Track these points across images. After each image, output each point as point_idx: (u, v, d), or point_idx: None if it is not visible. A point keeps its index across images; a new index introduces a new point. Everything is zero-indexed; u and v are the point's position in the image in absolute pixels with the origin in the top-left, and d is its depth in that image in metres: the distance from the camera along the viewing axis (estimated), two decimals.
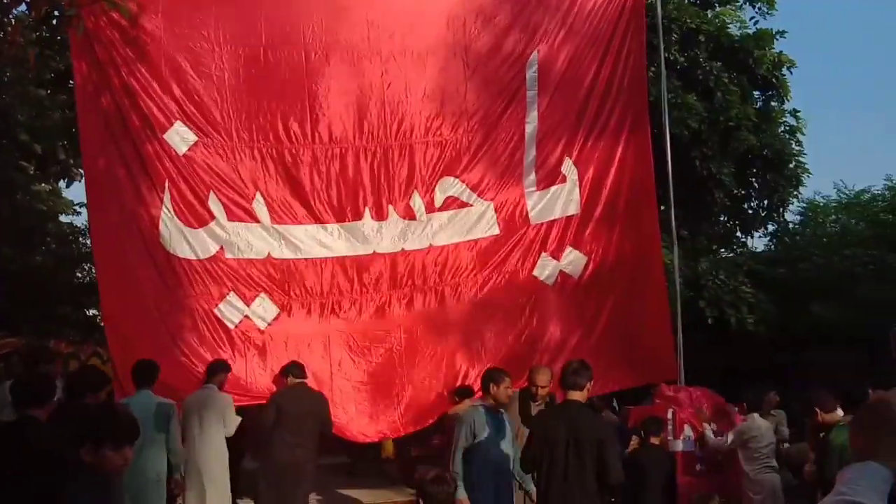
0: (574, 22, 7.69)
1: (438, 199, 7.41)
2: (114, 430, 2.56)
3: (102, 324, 7.32)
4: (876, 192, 13.95)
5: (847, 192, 14.37)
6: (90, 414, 2.75)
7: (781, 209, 14.51)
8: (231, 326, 6.83)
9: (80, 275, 10.16)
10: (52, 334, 9.48)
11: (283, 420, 6.17)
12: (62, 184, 11.04)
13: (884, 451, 1.33)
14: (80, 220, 11.42)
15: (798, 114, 14.24)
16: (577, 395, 4.74)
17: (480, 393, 6.02)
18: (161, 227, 6.78)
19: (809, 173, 14.01)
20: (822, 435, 5.16)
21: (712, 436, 6.83)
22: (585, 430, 4.58)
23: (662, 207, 8.51)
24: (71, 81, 9.26)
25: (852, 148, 40.54)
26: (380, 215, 7.24)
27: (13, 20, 3.56)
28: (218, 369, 6.39)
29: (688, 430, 6.95)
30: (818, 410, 5.27)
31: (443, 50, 7.44)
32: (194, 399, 6.27)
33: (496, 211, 7.47)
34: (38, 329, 9.44)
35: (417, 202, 7.35)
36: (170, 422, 5.78)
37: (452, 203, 7.45)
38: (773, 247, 14.73)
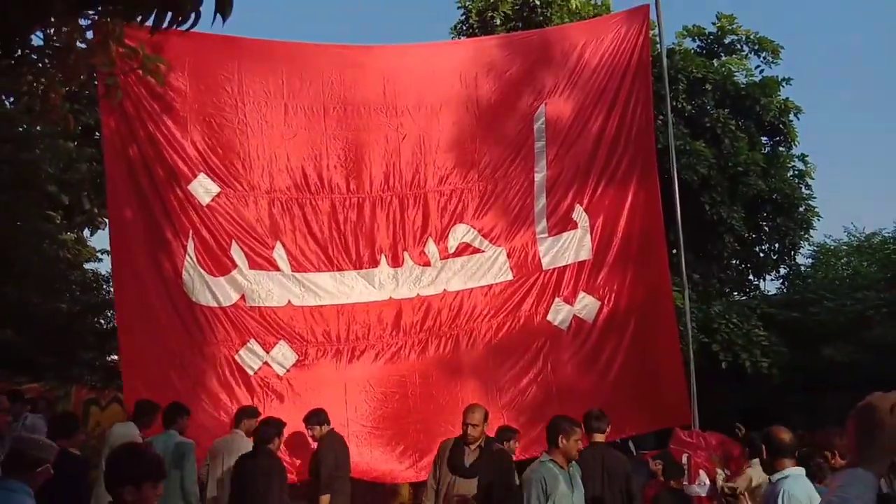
0: (581, 76, 7.96)
1: (452, 245, 7.60)
2: (154, 468, 2.68)
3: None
4: (886, 234, 14.07)
5: (857, 235, 14.48)
6: (126, 454, 2.78)
7: (792, 252, 14.63)
8: (251, 373, 6.98)
9: (102, 321, 10.35)
10: (75, 379, 9.63)
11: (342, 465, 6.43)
12: (86, 232, 11.38)
13: (867, 457, 1.37)
14: (104, 268, 11.74)
15: (806, 158, 14.47)
16: (600, 438, 5.56)
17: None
18: (184, 275, 6.97)
19: (819, 217, 14.17)
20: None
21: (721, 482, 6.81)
22: (616, 465, 5.39)
23: (673, 251, 8.64)
24: (97, 134, 9.66)
25: (862, 191, 40.61)
26: (396, 262, 7.43)
27: (52, 86, 3.81)
28: (244, 415, 6.51)
29: (703, 476, 6.95)
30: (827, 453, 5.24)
31: (455, 103, 7.72)
32: (221, 443, 6.40)
33: (508, 257, 7.64)
34: (61, 374, 9.60)
35: (432, 249, 7.53)
36: (185, 459, 5.87)
37: (465, 249, 7.63)
38: (784, 290, 14.77)
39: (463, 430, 5.67)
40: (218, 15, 2.68)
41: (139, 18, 2.71)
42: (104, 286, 10.69)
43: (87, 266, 11.38)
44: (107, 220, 10.79)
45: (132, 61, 4.74)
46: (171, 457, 5.76)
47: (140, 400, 6.30)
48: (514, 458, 6.35)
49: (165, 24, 2.73)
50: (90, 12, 3.10)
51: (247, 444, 6.29)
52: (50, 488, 3.60)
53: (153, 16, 2.68)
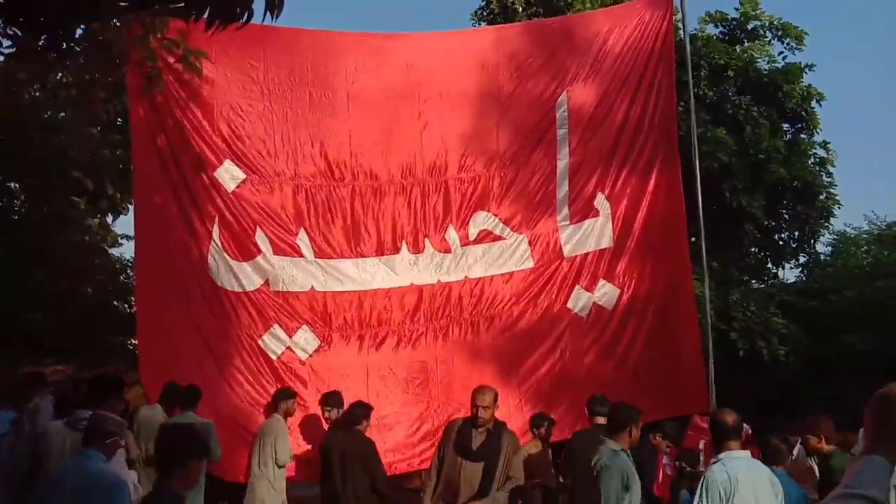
0: (604, 63, 7.95)
1: (473, 232, 7.65)
2: (203, 448, 3.09)
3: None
4: None
5: (878, 224, 14.34)
6: (186, 432, 3.19)
7: (812, 241, 14.52)
8: (274, 358, 7.09)
9: (126, 306, 10.53)
10: (102, 363, 9.80)
11: None
12: (109, 217, 11.54)
13: (884, 445, 1.40)
14: (129, 253, 11.90)
15: (828, 146, 14.29)
16: (601, 421, 5.49)
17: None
18: (210, 260, 7.08)
19: (840, 205, 14.03)
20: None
21: None
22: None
23: (693, 239, 8.64)
24: (120, 120, 9.77)
25: (883, 179, 40.08)
26: (417, 248, 7.50)
27: (95, 80, 3.90)
28: (281, 397, 6.66)
29: None
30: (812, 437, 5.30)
31: (477, 92, 7.74)
32: (264, 426, 6.59)
33: (530, 244, 7.68)
34: (89, 358, 9.78)
35: (453, 235, 7.59)
36: (211, 439, 6.01)
37: (486, 236, 7.68)
38: (804, 278, 14.70)
39: (473, 412, 5.60)
40: (267, 13, 2.75)
41: (194, 16, 2.78)
42: (128, 271, 10.85)
43: (111, 251, 11.61)
44: (130, 206, 10.98)
45: (171, 54, 4.80)
46: None
47: (171, 383, 6.41)
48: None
49: (218, 24, 2.79)
50: (144, 11, 3.18)
51: (277, 428, 6.44)
52: None
53: (207, 14, 2.74)
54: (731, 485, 3.84)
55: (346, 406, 6.55)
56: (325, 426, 6.70)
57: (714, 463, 4.06)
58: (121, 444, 4.07)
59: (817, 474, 5.48)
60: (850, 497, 1.37)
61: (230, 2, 2.69)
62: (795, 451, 6.22)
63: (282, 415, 6.57)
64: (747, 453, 4.19)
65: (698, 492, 3.98)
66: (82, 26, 3.14)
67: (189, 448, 2.99)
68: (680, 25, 8.57)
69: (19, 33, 2.94)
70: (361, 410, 6.24)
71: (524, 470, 6.09)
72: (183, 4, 2.89)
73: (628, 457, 4.63)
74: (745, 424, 7.25)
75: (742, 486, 3.84)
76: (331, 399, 6.68)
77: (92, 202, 10.63)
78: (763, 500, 3.88)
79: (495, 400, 5.64)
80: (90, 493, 3.46)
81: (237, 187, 7.17)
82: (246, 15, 2.78)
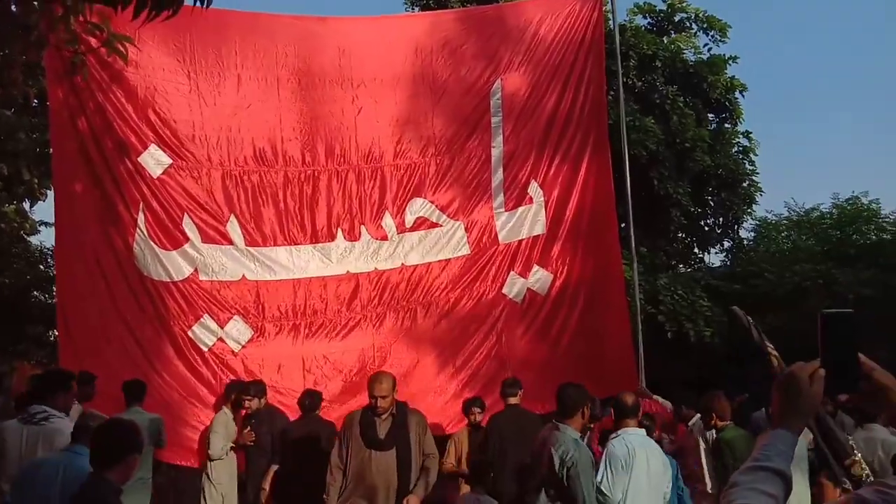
0: (536, 52, 8.04)
1: (409, 219, 7.64)
2: (139, 442, 3.20)
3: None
4: (824, 210, 14.61)
5: (797, 210, 15.02)
6: (124, 428, 3.26)
7: (736, 226, 15.14)
8: (205, 349, 6.93)
9: (47, 296, 10.08)
10: (21, 354, 9.36)
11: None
12: (26, 204, 11.00)
13: (789, 420, 1.50)
14: (49, 242, 11.38)
15: (750, 135, 14.87)
16: (514, 401, 6.33)
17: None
18: (135, 248, 6.86)
19: (762, 192, 14.66)
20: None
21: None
22: (530, 425, 5.79)
23: (622, 225, 8.86)
24: (35, 102, 9.31)
25: (802, 167, 42.01)
26: (352, 236, 7.44)
27: (15, 63, 3.69)
28: (231, 389, 6.62)
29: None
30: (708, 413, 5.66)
31: (411, 77, 7.71)
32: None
33: (466, 231, 7.73)
34: (6, 350, 9.34)
35: (389, 222, 7.56)
36: (161, 435, 6.18)
37: (423, 223, 7.68)
38: (728, 263, 15.28)
39: (371, 403, 5.17)
40: (198, 2, 2.66)
41: (121, 4, 2.67)
42: (48, 260, 10.39)
43: (31, 240, 11.08)
44: (48, 192, 10.48)
45: (94, 37, 4.58)
46: (148, 432, 5.79)
47: (81, 371, 6.19)
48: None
49: (147, 13, 2.70)
50: None
51: (221, 420, 6.37)
52: None
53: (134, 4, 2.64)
54: (629, 456, 4.51)
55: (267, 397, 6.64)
56: (243, 414, 6.59)
57: (614, 438, 4.69)
58: None
59: (702, 447, 5.93)
60: (758, 469, 1.46)
61: None
62: (692, 424, 6.59)
63: (230, 408, 6.49)
64: (642, 430, 4.88)
65: (603, 462, 4.58)
66: None
67: (129, 444, 3.14)
68: (609, 16, 8.72)
69: None
70: (319, 397, 6.54)
71: (452, 455, 6.35)
72: None
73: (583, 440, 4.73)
74: (668, 402, 7.61)
75: (638, 457, 4.52)
76: (252, 388, 6.59)
77: (7, 188, 10.12)
78: (654, 467, 4.60)
79: (393, 387, 5.27)
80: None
81: (163, 173, 6.95)
82: (175, 6, 2.68)
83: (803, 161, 42.06)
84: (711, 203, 14.69)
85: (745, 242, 15.47)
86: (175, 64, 7.03)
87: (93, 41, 4.88)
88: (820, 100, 44.05)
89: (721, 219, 14.96)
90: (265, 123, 7.28)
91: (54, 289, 10.16)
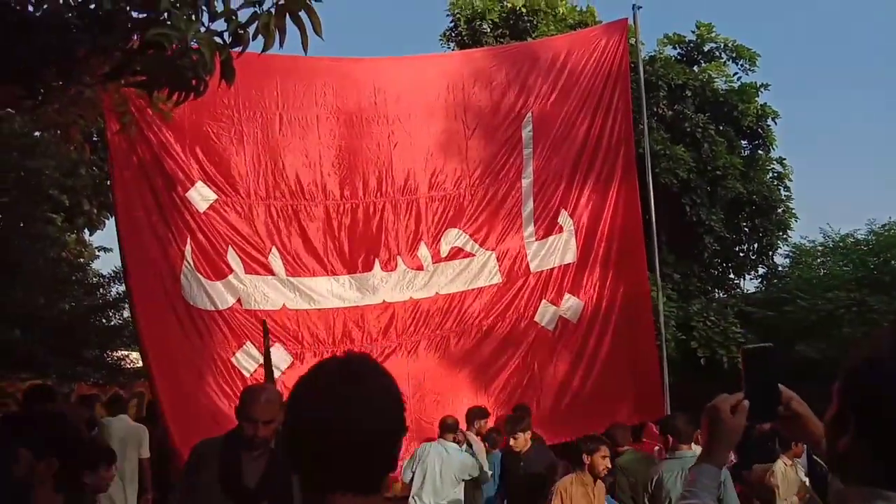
0: (565, 84, 8.30)
1: (444, 249, 7.89)
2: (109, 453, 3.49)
3: (144, 365, 7.58)
4: (860, 236, 14.48)
5: (832, 237, 14.90)
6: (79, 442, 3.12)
7: (770, 253, 15.05)
8: (247, 375, 7.19)
9: (103, 320, 10.61)
10: (79, 377, 9.83)
11: None
12: (86, 233, 11.69)
13: (712, 452, 1.58)
14: (106, 268, 11.95)
15: (784, 161, 14.86)
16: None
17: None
18: (182, 279, 7.18)
19: (797, 218, 14.59)
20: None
21: None
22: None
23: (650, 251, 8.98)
24: (95, 137, 9.86)
25: (838, 193, 41.39)
26: (389, 266, 7.70)
27: (73, 124, 4.09)
28: None
29: None
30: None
31: (444, 111, 8.02)
32: None
33: (498, 260, 7.95)
34: (65, 372, 9.82)
35: (424, 252, 7.82)
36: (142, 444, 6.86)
37: (457, 253, 7.92)
38: (763, 289, 15.19)
39: (245, 430, 3.05)
40: (223, 81, 3.02)
41: (155, 93, 3.02)
42: (109, 286, 10.98)
43: (92, 266, 11.76)
44: (105, 221, 11.04)
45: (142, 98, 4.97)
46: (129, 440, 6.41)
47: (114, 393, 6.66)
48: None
49: (178, 96, 3.06)
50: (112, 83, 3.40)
51: None
52: None
53: (167, 90, 2.99)
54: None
55: None
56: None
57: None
58: None
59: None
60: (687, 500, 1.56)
61: (185, 77, 2.92)
62: None
63: None
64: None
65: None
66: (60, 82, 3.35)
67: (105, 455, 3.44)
68: (639, 47, 8.97)
69: None
70: None
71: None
72: (145, 79, 3.10)
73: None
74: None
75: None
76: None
77: (69, 219, 10.76)
78: None
79: (281, 408, 3.39)
80: None
81: (209, 208, 7.30)
82: (202, 85, 3.03)
83: (840, 186, 41.40)
84: (746, 229, 14.67)
85: (780, 269, 15.39)
86: (220, 105, 7.41)
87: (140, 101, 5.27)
88: (857, 124, 43.42)
89: (755, 245, 14.93)
90: (306, 160, 7.63)
91: (108, 312, 10.68)
